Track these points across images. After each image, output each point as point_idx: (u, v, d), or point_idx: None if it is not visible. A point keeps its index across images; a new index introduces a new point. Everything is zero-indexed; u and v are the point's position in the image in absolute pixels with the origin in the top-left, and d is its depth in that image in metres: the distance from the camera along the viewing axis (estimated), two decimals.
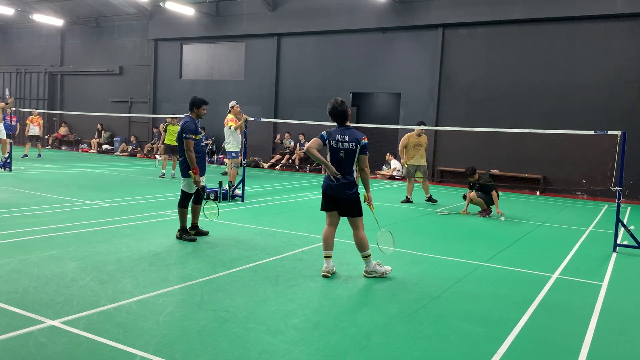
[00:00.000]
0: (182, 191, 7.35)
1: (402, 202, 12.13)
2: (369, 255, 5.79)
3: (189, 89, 23.63)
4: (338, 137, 5.63)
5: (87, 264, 5.76)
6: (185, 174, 7.29)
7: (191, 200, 7.43)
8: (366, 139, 5.67)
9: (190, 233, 7.34)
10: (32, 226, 7.57)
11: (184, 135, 7.14)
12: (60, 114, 26.86)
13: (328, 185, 5.74)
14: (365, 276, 5.79)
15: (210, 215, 7.72)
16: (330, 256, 5.81)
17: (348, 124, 5.78)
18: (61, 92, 27.98)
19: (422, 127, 12.09)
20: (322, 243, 5.84)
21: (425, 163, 12.34)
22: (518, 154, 15.32)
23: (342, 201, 5.73)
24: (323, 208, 5.89)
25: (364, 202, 5.78)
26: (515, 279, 6.11)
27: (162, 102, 24.43)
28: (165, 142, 15.36)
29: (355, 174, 5.75)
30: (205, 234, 7.56)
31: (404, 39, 18.61)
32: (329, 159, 5.72)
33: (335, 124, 5.80)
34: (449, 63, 17.73)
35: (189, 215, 7.47)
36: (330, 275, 5.73)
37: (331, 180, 5.69)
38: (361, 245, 5.77)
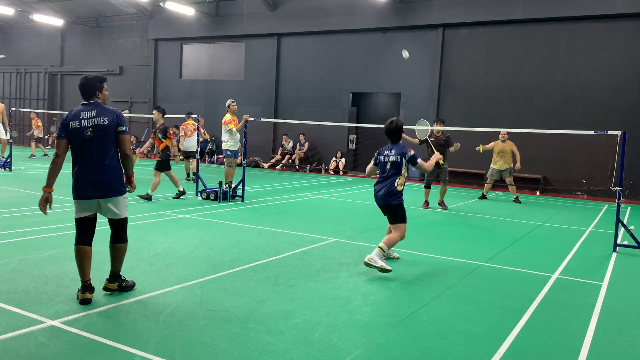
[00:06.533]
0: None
1: (479, 198, 13.79)
2: (384, 252, 5.95)
3: (189, 89, 23.66)
4: (386, 152, 6.30)
5: None
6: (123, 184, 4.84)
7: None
8: (412, 151, 6.21)
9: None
10: (32, 226, 7.56)
11: (125, 129, 4.75)
12: (60, 114, 26.84)
13: (374, 196, 6.35)
14: (365, 262, 5.84)
15: None
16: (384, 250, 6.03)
17: (401, 141, 6.38)
18: (61, 92, 27.98)
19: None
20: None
21: (506, 167, 13.35)
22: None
23: (384, 208, 6.30)
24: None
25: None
26: (515, 279, 6.10)
27: (162, 102, 24.38)
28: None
29: (397, 183, 6.15)
30: (132, 286, 4.97)
31: (404, 39, 18.60)
32: (378, 173, 6.37)
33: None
34: (449, 63, 17.73)
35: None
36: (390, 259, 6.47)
37: (375, 191, 6.32)
38: (390, 241, 6.08)
